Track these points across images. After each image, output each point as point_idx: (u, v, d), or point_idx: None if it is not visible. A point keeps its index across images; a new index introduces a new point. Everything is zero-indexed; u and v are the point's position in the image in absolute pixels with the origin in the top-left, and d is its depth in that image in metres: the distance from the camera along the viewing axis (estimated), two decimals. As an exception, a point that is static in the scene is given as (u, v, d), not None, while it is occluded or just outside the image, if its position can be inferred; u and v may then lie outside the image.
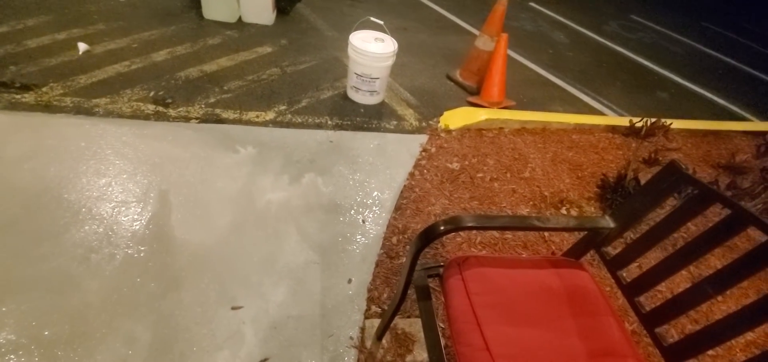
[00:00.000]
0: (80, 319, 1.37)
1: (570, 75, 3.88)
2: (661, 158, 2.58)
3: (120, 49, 2.82)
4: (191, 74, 2.70)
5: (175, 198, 1.85)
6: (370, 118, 2.61)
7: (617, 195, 2.26)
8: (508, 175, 2.40)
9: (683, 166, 0.92)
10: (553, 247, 2.01)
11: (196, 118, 2.35)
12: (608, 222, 1.09)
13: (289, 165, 2.15)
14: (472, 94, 3.00)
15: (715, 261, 2.06)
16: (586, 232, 1.17)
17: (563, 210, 2.29)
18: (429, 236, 0.98)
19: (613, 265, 1.10)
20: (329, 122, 2.50)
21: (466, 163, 2.41)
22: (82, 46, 2.72)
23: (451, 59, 3.52)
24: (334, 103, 2.69)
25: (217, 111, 2.42)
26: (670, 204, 2.06)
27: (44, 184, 1.78)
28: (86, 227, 1.65)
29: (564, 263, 1.19)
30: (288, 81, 2.83)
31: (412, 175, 2.25)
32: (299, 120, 2.47)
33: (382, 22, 2.46)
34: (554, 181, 2.44)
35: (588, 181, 2.50)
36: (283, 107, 2.55)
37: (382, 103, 2.76)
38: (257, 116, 2.43)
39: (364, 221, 1.93)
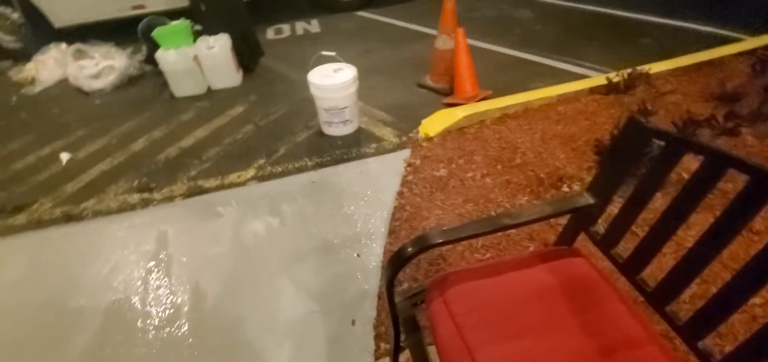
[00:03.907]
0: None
1: (544, 47, 3.80)
2: (650, 107, 2.47)
3: (101, 148, 2.87)
4: (170, 154, 2.71)
5: (169, 279, 1.84)
6: (349, 148, 2.57)
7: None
8: (499, 166, 2.32)
9: (643, 120, 0.85)
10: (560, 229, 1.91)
11: (181, 195, 2.35)
12: (587, 199, 1.01)
13: (274, 216, 2.11)
14: (447, 94, 2.95)
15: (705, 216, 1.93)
16: (570, 215, 1.09)
17: (564, 188, 2.19)
18: (397, 262, 0.92)
19: (605, 244, 1.01)
20: (309, 163, 2.47)
21: (453, 166, 2.34)
22: (65, 156, 2.78)
23: (418, 67, 3.46)
24: (311, 143, 2.67)
25: (200, 182, 2.42)
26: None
27: (43, 298, 1.80)
28: (88, 332, 1.64)
29: (556, 253, 1.10)
30: (263, 134, 2.83)
31: (400, 194, 2.19)
32: (279, 169, 2.45)
33: (333, 53, 2.45)
34: (548, 160, 2.34)
35: (584, 150, 2.40)
36: (262, 161, 2.54)
37: (359, 129, 2.72)
38: (238, 177, 2.42)
39: (358, 255, 1.87)
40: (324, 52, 2.47)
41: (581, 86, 2.90)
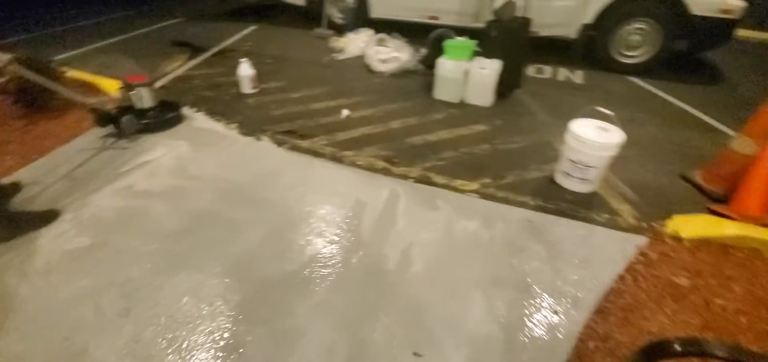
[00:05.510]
0: (291, 318, 1.79)
1: None
2: None
3: (369, 116, 3.61)
4: (416, 141, 3.19)
5: (385, 238, 2.22)
6: (578, 206, 2.47)
7: None
8: (764, 311, 1.83)
9: None
10: None
11: (413, 178, 2.75)
12: None
13: (484, 234, 2.25)
14: (718, 201, 2.45)
15: None
16: None
17: None
18: (654, 353, 0.90)
19: None
20: (531, 202, 2.50)
21: (700, 281, 1.97)
22: (345, 112, 3.62)
23: (687, 158, 2.97)
24: (540, 185, 2.68)
25: (430, 174, 2.77)
26: None
27: (302, 208, 2.43)
28: (318, 245, 2.15)
29: None
30: (496, 157, 2.99)
31: (622, 278, 2.00)
32: (501, 195, 2.57)
33: (612, 114, 2.35)
34: None
35: None
36: (487, 180, 2.71)
37: (594, 193, 2.57)
38: (463, 185, 2.66)
39: (556, 312, 1.83)
40: (601, 109, 2.42)
41: None
